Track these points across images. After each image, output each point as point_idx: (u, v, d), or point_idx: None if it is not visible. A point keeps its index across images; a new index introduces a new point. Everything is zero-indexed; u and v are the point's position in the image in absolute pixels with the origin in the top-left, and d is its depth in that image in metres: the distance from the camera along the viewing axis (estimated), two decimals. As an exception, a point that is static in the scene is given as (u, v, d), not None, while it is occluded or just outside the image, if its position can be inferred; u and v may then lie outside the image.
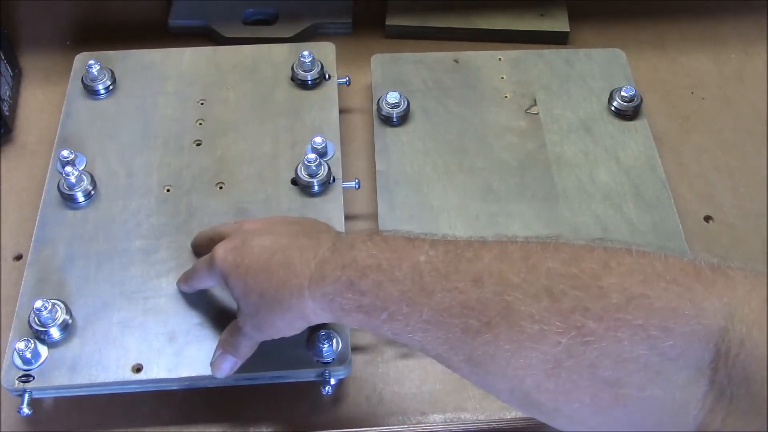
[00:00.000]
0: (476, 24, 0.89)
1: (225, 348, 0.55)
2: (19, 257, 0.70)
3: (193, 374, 0.57)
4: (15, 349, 0.56)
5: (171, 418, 0.61)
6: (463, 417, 0.62)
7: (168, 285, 0.61)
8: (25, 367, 0.56)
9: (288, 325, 0.51)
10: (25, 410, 0.55)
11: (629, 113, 0.75)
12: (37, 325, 0.57)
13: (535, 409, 0.43)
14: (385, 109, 0.75)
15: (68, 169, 0.66)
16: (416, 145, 0.73)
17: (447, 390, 0.63)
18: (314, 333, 0.58)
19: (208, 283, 0.58)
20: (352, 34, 0.90)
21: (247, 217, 0.65)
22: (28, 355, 0.56)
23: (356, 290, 0.46)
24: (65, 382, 0.56)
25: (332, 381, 0.57)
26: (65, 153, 0.67)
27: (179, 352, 0.57)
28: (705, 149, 0.80)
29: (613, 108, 0.76)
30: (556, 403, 0.41)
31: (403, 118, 0.75)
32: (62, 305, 0.58)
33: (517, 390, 0.42)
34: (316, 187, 0.67)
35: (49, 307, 0.57)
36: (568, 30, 0.89)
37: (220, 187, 0.68)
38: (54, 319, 0.57)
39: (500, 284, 0.42)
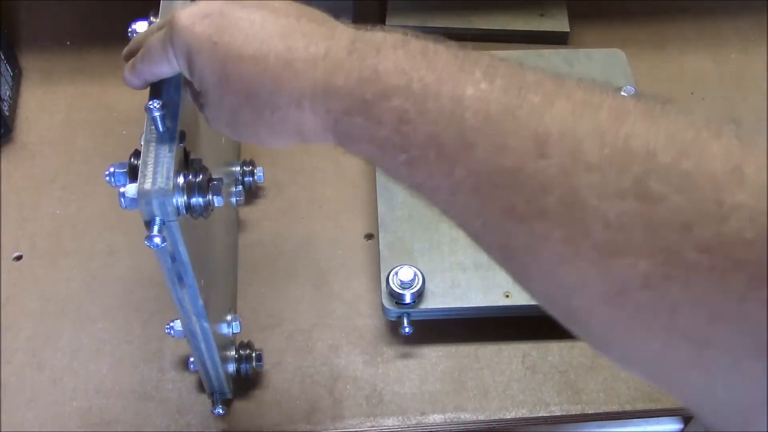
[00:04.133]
0: (476, 24, 0.89)
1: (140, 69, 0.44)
2: (19, 257, 0.70)
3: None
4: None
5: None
6: (463, 417, 0.62)
7: None
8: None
9: (275, 138, 0.40)
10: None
11: (629, 113, 0.75)
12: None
13: (579, 328, 0.33)
14: (385, 109, 0.75)
15: None
16: (416, 145, 0.73)
17: (447, 390, 0.63)
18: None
19: (161, 68, 0.43)
20: (352, 34, 0.90)
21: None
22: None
23: (371, 115, 0.34)
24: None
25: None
26: None
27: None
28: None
29: (613, 108, 0.76)
30: (610, 335, 0.31)
31: (403, 118, 0.75)
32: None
33: (560, 304, 0.32)
34: None
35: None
36: (568, 30, 0.89)
37: None
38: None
39: (571, 158, 0.30)
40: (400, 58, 0.34)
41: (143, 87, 0.46)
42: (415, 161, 0.34)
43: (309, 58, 0.37)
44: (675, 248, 0.27)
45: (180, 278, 0.47)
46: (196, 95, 0.43)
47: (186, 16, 0.40)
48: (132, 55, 0.46)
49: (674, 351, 0.29)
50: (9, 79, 0.81)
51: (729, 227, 0.26)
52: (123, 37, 0.50)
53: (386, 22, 0.89)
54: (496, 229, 0.33)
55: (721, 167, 0.27)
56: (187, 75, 0.42)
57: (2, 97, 0.78)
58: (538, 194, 0.30)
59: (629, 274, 0.29)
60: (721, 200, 0.27)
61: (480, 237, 0.35)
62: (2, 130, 0.78)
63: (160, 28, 0.43)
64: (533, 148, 0.30)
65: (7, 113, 0.79)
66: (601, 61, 0.81)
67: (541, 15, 0.90)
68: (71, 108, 0.82)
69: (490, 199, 0.32)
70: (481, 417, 0.62)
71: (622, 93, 0.74)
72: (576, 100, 0.31)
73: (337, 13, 1.01)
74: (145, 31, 0.47)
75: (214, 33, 0.38)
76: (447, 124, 0.32)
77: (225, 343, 0.59)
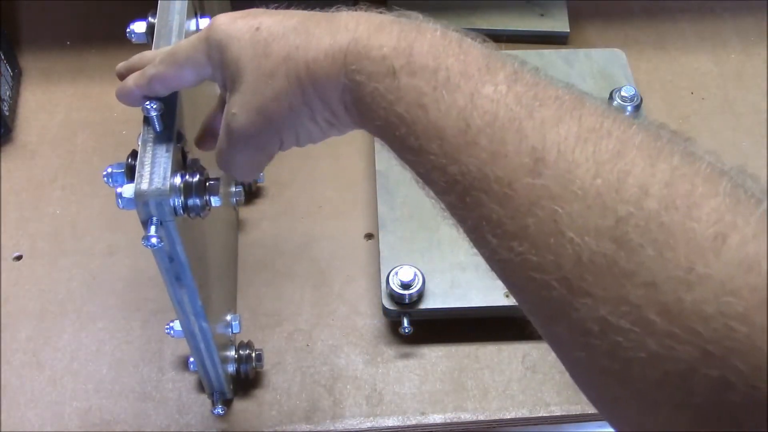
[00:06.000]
0: (476, 24, 0.89)
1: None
2: (19, 257, 0.70)
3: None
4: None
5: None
6: (463, 417, 0.62)
7: None
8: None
9: (305, 118, 0.39)
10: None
11: (629, 113, 0.75)
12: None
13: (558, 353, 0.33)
14: (385, 109, 0.75)
15: None
16: (416, 145, 0.73)
17: (447, 390, 0.63)
18: None
19: (184, 72, 0.42)
20: (352, 34, 0.90)
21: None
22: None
23: (394, 87, 0.34)
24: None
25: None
26: None
27: None
28: (705, 149, 0.79)
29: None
30: (575, 372, 0.32)
31: (403, 118, 0.75)
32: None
33: (538, 325, 0.32)
34: None
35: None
36: (568, 30, 0.89)
37: None
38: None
39: (561, 181, 0.29)
40: (437, 41, 0.34)
41: (139, 103, 0.44)
42: (420, 150, 0.33)
43: (353, 18, 0.37)
44: (636, 303, 0.26)
45: (178, 278, 0.47)
46: (223, 92, 0.42)
47: (226, 16, 0.40)
48: (131, 71, 0.45)
49: (625, 407, 0.28)
50: (9, 79, 0.81)
51: (692, 296, 0.25)
52: (123, 37, 0.50)
53: (386, 22, 0.89)
54: (481, 239, 0.32)
55: (703, 230, 0.26)
56: (216, 72, 0.41)
57: (2, 97, 0.78)
58: (522, 213, 0.29)
59: (590, 317, 0.27)
60: (692, 266, 0.26)
61: (470, 240, 0.34)
62: (2, 130, 0.78)
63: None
64: (529, 164, 0.29)
65: (7, 113, 0.79)
66: (601, 61, 0.81)
67: (541, 15, 0.90)
68: (71, 108, 0.82)
69: (479, 206, 0.31)
70: (481, 417, 0.62)
71: (622, 92, 0.75)
72: (584, 125, 0.30)
73: (337, 13, 1.00)
74: (153, 51, 0.46)
75: (256, 23, 0.39)
76: (455, 117, 0.32)
77: (225, 343, 0.59)
